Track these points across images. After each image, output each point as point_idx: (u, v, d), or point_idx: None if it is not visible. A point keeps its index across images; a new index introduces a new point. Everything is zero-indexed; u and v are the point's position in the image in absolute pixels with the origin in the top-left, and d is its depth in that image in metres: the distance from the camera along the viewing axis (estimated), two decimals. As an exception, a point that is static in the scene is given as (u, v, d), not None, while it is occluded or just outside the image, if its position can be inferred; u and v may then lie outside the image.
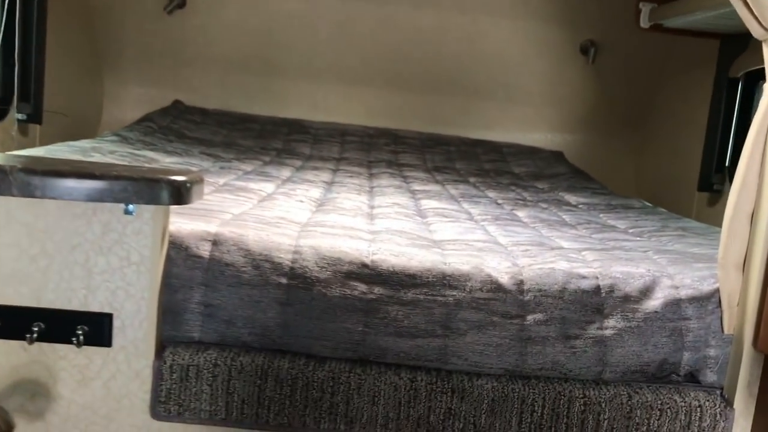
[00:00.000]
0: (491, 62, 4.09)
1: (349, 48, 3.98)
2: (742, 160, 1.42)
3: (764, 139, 1.39)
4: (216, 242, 1.41)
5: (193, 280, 1.39)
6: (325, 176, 2.77)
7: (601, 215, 2.46)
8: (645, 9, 3.27)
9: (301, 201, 2.06)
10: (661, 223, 2.35)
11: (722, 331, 1.44)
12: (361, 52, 3.99)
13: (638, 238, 2.00)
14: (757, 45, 2.94)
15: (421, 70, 4.05)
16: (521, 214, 2.29)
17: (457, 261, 1.47)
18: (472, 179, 3.22)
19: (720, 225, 3.24)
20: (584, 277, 1.46)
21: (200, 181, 1.33)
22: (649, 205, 2.98)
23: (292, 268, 1.40)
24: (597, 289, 1.44)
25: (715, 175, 3.35)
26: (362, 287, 1.40)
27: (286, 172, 2.72)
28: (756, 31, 1.39)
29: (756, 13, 1.36)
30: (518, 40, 4.09)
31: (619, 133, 4.26)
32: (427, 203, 2.31)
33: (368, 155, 3.56)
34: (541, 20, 4.05)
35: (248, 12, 3.96)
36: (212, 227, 1.45)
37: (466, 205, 2.37)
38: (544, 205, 2.57)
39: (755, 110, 3.23)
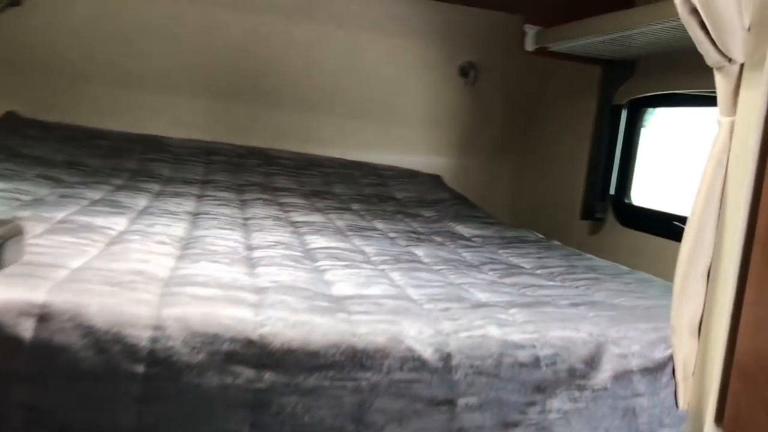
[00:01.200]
0: (368, 80, 3.85)
1: (216, 59, 3.58)
2: (694, 208, 1.23)
3: (722, 182, 1.21)
4: (43, 317, 1.02)
5: (11, 372, 0.99)
6: (189, 205, 2.37)
7: (500, 251, 2.26)
8: (530, 32, 3.14)
9: (162, 243, 1.67)
10: (565, 260, 2.17)
11: (676, 406, 1.23)
12: (229, 64, 3.60)
13: (552, 283, 1.79)
14: (644, 72, 2.86)
15: (295, 86, 3.73)
16: (420, 252, 2.03)
17: (369, 330, 1.16)
18: (354, 206, 2.94)
19: (605, 254, 3.18)
20: (521, 347, 1.21)
21: (17, 235, 0.94)
22: (541, 236, 2.83)
23: (152, 351, 1.04)
24: (536, 362, 1.20)
25: (599, 204, 3.27)
26: (249, 373, 1.06)
27: (141, 201, 2.30)
28: (711, 58, 1.21)
29: (714, 37, 1.17)
30: (396, 59, 3.87)
31: (498, 157, 4.15)
32: (314, 240, 1.99)
33: (237, 177, 3.18)
34: (420, 39, 3.86)
35: (99, 14, 3.46)
36: (39, 294, 1.06)
37: (357, 242, 2.07)
38: (439, 239, 2.33)
39: (638, 136, 3.22)
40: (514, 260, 2.11)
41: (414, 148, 4.04)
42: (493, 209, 3.78)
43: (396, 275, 1.65)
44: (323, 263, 1.69)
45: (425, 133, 4.04)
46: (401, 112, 3.96)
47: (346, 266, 1.67)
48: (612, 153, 3.22)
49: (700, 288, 1.22)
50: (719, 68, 1.21)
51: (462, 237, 2.47)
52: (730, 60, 1.19)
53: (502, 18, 3.79)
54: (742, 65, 1.18)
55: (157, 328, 1.06)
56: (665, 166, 3.53)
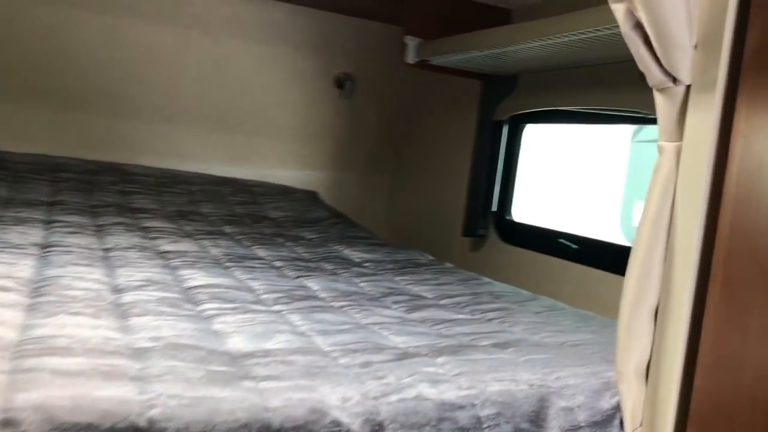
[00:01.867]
0: (237, 90, 3.58)
1: (63, 63, 3.17)
2: (639, 240, 1.12)
3: (669, 212, 1.10)
4: None
5: None
6: (36, 234, 2.02)
7: (397, 278, 2.09)
8: (411, 44, 3.02)
9: (5, 289, 1.35)
10: (465, 287, 2.05)
11: (627, 461, 1.11)
12: (78, 69, 3.20)
13: (463, 316, 1.64)
14: (525, 87, 2.80)
15: (155, 94, 3.38)
16: (314, 285, 1.82)
17: (283, 402, 0.95)
18: (227, 229, 2.67)
19: (488, 272, 3.12)
20: (460, 407, 1.04)
21: None
22: (432, 258, 2.71)
23: (0, 458, 0.77)
24: (478, 424, 1.03)
25: (480, 220, 3.21)
26: (136, 474, 0.82)
27: (-28, 231, 1.92)
28: (654, 78, 1.10)
29: (659, 54, 1.07)
30: (268, 67, 3.63)
31: (375, 172, 4.02)
32: (191, 276, 1.72)
33: (90, 197, 2.81)
34: (293, 48, 3.64)
35: None
36: None
37: (241, 276, 1.83)
38: (329, 266, 2.13)
39: (519, 152, 3.19)
40: (415, 289, 1.96)
41: (286, 163, 3.81)
42: (370, 226, 3.64)
43: (296, 318, 1.43)
44: (208, 307, 1.44)
45: (298, 147, 3.83)
46: (273, 125, 3.72)
47: (236, 310, 1.43)
48: (493, 169, 3.17)
49: (648, 327, 1.11)
50: (661, 89, 1.11)
51: (352, 263, 2.28)
52: (675, 80, 1.09)
53: (380, 29, 3.66)
54: (688, 87, 1.09)
55: (8, 423, 0.79)
56: (545, 182, 3.54)
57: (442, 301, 1.82)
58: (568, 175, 3.54)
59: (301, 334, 1.31)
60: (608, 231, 3.66)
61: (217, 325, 1.31)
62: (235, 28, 3.51)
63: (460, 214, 3.40)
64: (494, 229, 3.18)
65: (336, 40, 3.69)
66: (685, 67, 1.06)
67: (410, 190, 3.91)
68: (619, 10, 1.08)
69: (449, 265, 2.54)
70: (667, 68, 1.07)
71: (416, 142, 3.86)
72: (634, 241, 1.14)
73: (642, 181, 3.69)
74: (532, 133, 3.16)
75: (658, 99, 1.13)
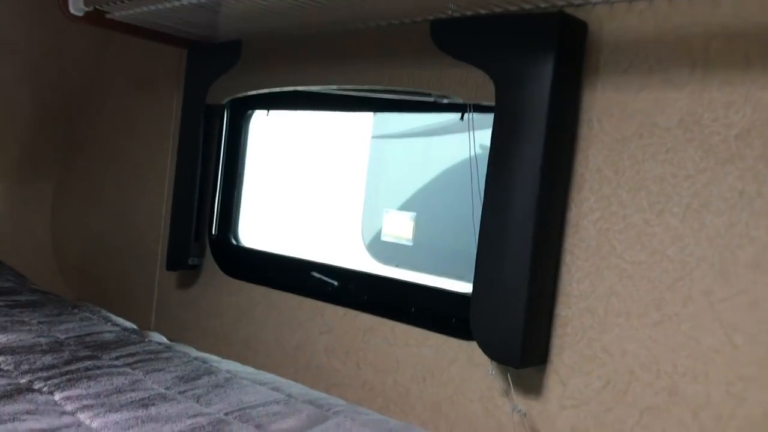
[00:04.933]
0: None
1: None
2: None
3: None
4: None
5: None
6: None
7: (130, 369, 1.12)
8: (76, -16, 1.97)
9: None
10: (192, 367, 1.14)
11: None
12: None
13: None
14: (251, 59, 1.93)
15: None
16: None
17: None
18: None
19: (205, 316, 2.21)
20: None
21: None
22: (110, 315, 1.72)
23: None
24: None
25: (192, 246, 2.27)
26: None
27: None
28: None
29: None
30: None
31: (31, 181, 2.83)
32: None
33: None
34: None
35: None
36: None
37: None
38: None
39: (245, 150, 2.30)
40: (142, 378, 1.04)
41: None
42: (26, 261, 2.49)
43: None
44: None
45: None
46: None
47: None
48: (207, 175, 2.26)
49: None
50: None
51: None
52: None
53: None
54: None
55: None
56: (281, 191, 2.72)
57: (183, 395, 0.89)
58: (309, 179, 2.77)
59: None
60: (351, 249, 2.95)
61: None
62: None
63: (162, 239, 2.43)
64: (213, 258, 2.27)
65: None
66: None
67: (86, 205, 2.79)
68: None
69: (153, 334, 1.57)
70: None
71: (93, 136, 2.76)
72: None
73: (387, 185, 3.04)
74: (261, 123, 2.31)
75: None
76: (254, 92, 2.08)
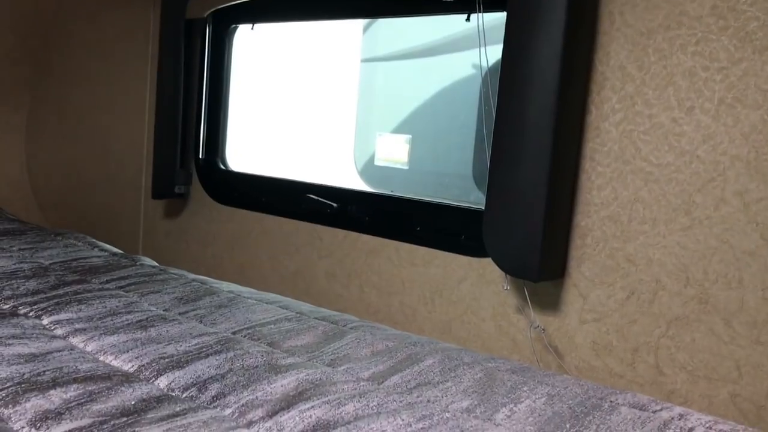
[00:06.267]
0: None
1: None
2: None
3: None
4: None
5: None
6: None
7: (123, 292, 1.04)
8: None
9: None
10: (191, 288, 1.04)
11: None
12: None
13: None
14: None
15: None
16: None
17: None
18: None
19: (195, 246, 2.10)
20: None
21: None
22: (96, 241, 1.61)
23: None
24: None
25: (178, 173, 2.15)
26: None
27: None
28: None
29: None
30: None
31: (3, 112, 2.66)
32: None
33: None
34: None
35: None
36: None
37: None
38: None
39: (229, 67, 2.14)
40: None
41: None
42: (0, 195, 2.36)
43: None
44: None
45: None
46: None
47: None
48: (190, 95, 2.11)
49: None
50: None
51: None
52: None
53: None
54: None
55: None
56: (266, 110, 2.59)
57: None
58: (295, 99, 2.63)
59: None
60: (343, 172, 2.84)
61: None
62: None
63: (146, 168, 2.30)
64: (201, 185, 2.15)
65: None
66: None
67: (62, 134, 2.64)
68: None
69: (149, 263, 1.46)
70: None
71: (66, 59, 2.59)
72: None
73: (379, 108, 2.91)
74: (246, 38, 2.16)
75: None
76: (226, 4, 1.92)
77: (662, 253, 1.29)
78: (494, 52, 1.49)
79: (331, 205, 1.84)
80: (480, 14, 1.48)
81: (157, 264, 1.44)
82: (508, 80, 1.36)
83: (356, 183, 2.76)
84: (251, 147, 2.34)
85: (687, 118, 1.26)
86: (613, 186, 1.35)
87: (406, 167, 2.67)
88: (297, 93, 2.77)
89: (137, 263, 1.40)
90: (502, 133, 1.38)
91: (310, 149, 2.67)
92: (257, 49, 2.31)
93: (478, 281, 1.53)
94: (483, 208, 1.43)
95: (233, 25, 2.09)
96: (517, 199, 1.36)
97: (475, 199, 1.91)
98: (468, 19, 1.58)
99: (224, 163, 2.17)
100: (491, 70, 1.57)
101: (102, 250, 1.48)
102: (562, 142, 1.34)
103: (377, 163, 2.82)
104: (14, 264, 1.28)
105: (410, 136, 2.73)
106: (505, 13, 1.38)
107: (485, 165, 1.42)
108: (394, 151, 2.70)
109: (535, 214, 1.34)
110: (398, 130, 2.90)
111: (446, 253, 1.59)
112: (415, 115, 2.85)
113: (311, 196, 1.89)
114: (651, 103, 1.30)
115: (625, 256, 1.33)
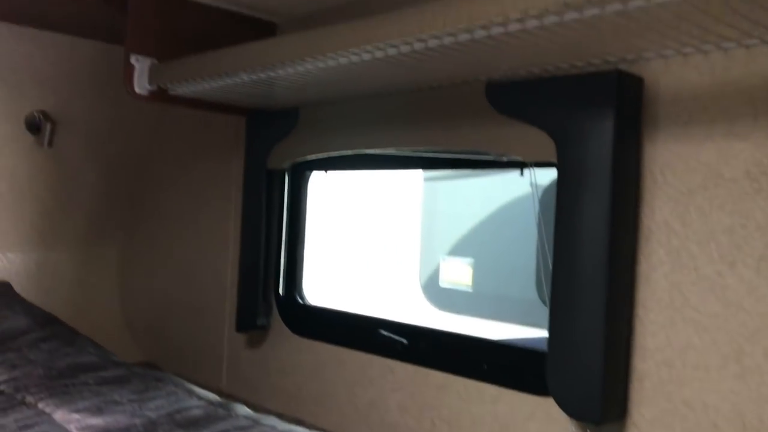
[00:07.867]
0: None
1: None
2: None
3: None
4: None
5: None
6: None
7: None
8: (141, 65, 2.07)
9: None
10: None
11: None
12: None
13: None
14: (308, 124, 1.96)
15: None
16: None
17: None
18: None
19: (274, 374, 2.25)
20: None
21: None
22: (193, 387, 1.78)
23: None
24: None
25: (260, 306, 2.33)
26: None
27: None
28: None
29: None
30: None
31: (97, 247, 2.93)
32: None
33: None
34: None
35: None
36: None
37: None
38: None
39: (306, 212, 2.35)
40: None
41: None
42: (97, 324, 2.58)
43: None
44: None
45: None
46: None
47: None
48: (271, 237, 2.32)
49: None
50: None
51: None
52: None
53: (91, 48, 2.62)
54: None
55: None
56: (340, 247, 2.78)
57: None
58: (366, 230, 2.82)
59: None
60: (409, 295, 2.98)
61: None
62: None
63: (228, 300, 2.49)
64: (280, 318, 2.33)
65: (23, 64, 2.57)
66: None
67: (152, 268, 2.89)
68: None
69: (243, 413, 1.61)
70: None
71: (155, 202, 2.87)
72: None
73: (442, 230, 3.07)
74: (320, 179, 2.38)
75: None
76: (313, 157, 2.14)
77: (717, 398, 1.36)
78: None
79: (402, 342, 1.97)
80: (533, 172, 1.64)
81: (251, 413, 1.59)
82: (562, 233, 1.50)
83: (422, 304, 2.89)
84: (326, 280, 2.52)
85: (730, 272, 1.36)
86: (666, 333, 1.44)
87: (470, 290, 2.79)
88: (365, 222, 2.96)
89: (232, 414, 1.55)
90: (559, 281, 1.51)
91: (380, 276, 2.83)
92: (330, 184, 2.52)
93: (544, 420, 1.62)
94: (546, 349, 1.54)
95: (308, 172, 2.31)
96: (576, 343, 1.47)
97: (540, 319, 1.93)
98: (521, 174, 1.74)
99: (302, 297, 2.34)
100: (545, 190, 1.72)
101: (199, 398, 1.64)
102: (615, 290, 1.45)
103: (442, 285, 2.95)
104: (128, 419, 1.44)
105: (472, 259, 2.86)
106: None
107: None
108: (457, 274, 2.83)
109: (594, 358, 1.45)
110: (460, 249, 3.03)
111: (512, 391, 1.69)
112: (474, 235, 2.98)
113: (382, 331, 2.03)
114: (695, 257, 1.40)
115: (682, 400, 1.41)
